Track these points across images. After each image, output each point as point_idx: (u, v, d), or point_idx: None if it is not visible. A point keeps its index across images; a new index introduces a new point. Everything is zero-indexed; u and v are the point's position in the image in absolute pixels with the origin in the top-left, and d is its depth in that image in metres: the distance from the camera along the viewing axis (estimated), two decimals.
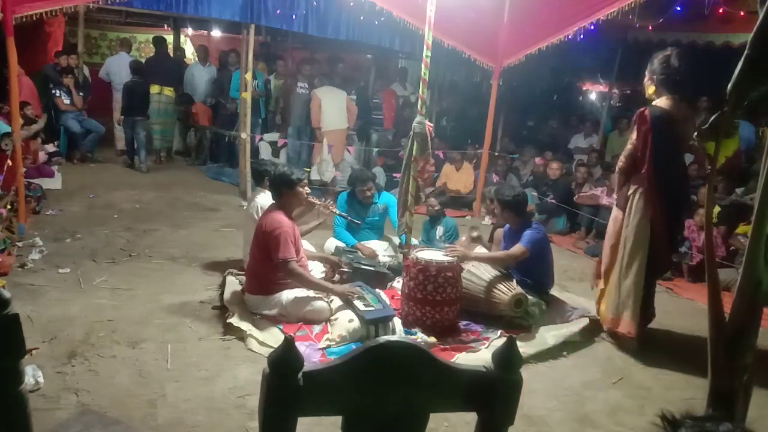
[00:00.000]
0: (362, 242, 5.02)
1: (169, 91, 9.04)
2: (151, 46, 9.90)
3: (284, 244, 3.79)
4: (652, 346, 3.97)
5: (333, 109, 7.91)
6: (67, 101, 8.27)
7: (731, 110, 2.18)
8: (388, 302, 3.98)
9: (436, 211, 5.33)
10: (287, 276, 3.86)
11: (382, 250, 5.02)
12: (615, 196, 4.20)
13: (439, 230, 5.19)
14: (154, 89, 8.79)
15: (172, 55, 10.21)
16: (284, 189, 3.99)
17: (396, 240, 5.01)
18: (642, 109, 3.87)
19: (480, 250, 4.70)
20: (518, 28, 6.79)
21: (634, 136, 3.91)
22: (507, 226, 4.50)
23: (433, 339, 3.75)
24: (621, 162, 4.00)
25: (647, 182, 3.84)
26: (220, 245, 5.40)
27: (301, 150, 8.37)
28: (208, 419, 2.85)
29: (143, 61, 9.56)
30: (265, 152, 8.36)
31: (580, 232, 6.91)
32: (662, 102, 3.83)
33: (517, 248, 4.14)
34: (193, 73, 9.38)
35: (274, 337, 3.63)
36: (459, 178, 8.07)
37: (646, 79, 3.97)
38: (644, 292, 3.95)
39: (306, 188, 4.12)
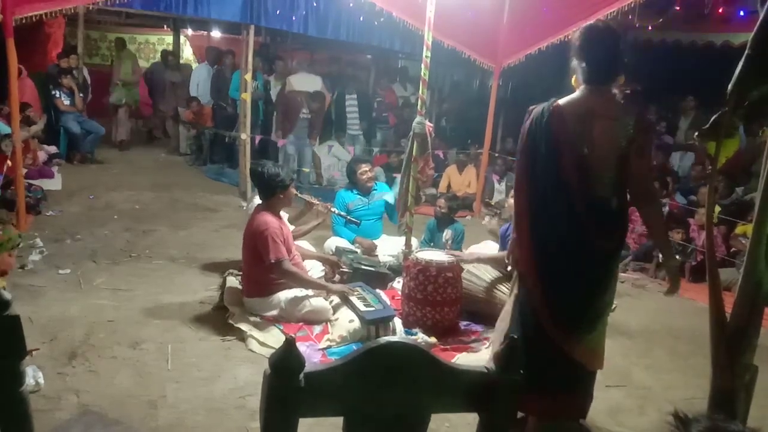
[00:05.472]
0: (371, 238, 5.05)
1: None
2: (151, 46, 10.08)
3: (273, 244, 3.76)
4: None
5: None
6: (67, 102, 8.27)
7: (732, 110, 2.18)
8: (388, 302, 3.97)
9: (443, 213, 5.21)
10: (281, 276, 3.84)
11: (385, 247, 5.02)
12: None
13: (447, 234, 5.14)
14: None
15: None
16: (271, 191, 3.94)
17: (397, 240, 5.01)
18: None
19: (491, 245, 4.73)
20: (518, 28, 6.78)
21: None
22: (505, 226, 4.48)
23: (433, 339, 3.75)
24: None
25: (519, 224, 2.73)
26: (220, 245, 5.40)
27: (300, 152, 8.25)
28: (208, 420, 2.85)
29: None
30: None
31: None
32: (572, 95, 2.65)
33: None
34: (200, 75, 9.43)
35: (274, 337, 3.63)
36: (462, 179, 8.04)
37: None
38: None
39: (294, 190, 4.12)
